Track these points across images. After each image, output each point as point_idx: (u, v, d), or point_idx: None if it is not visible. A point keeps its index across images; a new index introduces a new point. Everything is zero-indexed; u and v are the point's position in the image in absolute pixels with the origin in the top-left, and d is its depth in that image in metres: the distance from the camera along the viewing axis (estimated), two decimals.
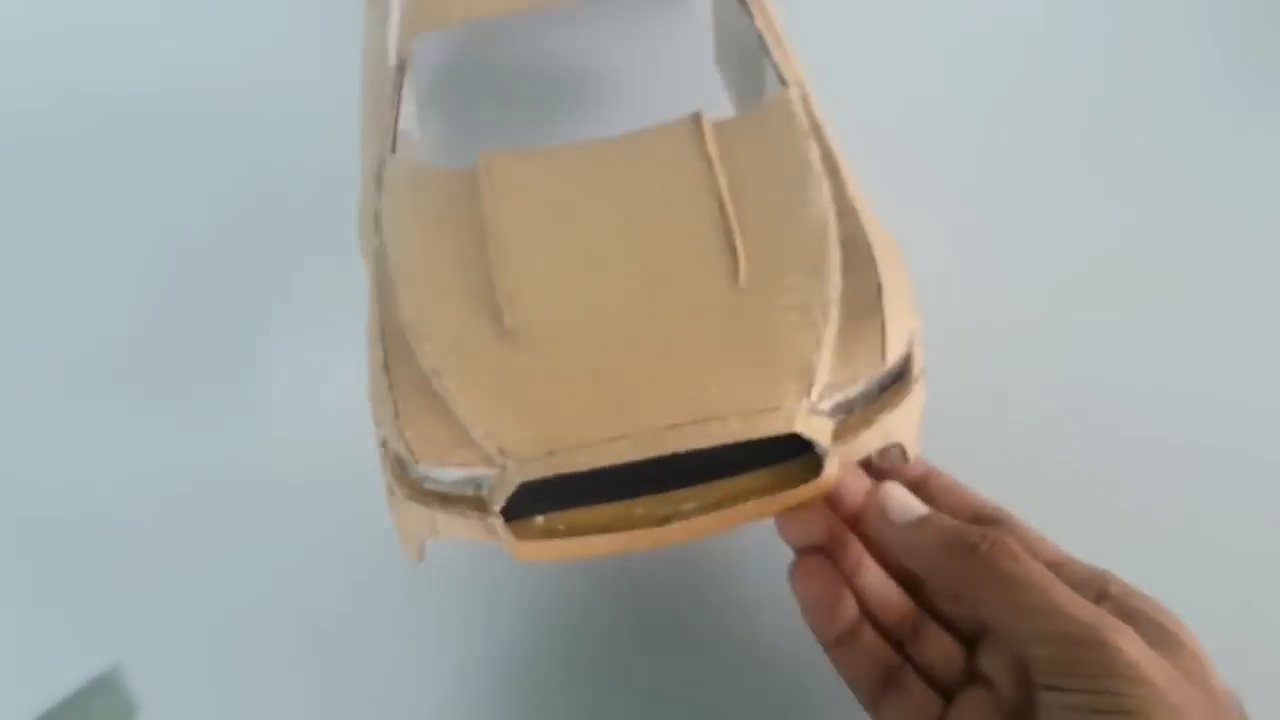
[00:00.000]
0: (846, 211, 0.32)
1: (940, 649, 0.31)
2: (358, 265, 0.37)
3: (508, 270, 0.31)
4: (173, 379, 0.45)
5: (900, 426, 0.31)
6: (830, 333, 0.29)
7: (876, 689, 0.31)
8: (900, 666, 0.31)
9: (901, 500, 0.31)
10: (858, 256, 0.31)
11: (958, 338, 0.39)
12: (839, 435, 0.30)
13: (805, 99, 0.35)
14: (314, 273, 0.46)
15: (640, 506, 0.30)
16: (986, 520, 0.31)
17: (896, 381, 0.31)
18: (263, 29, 0.56)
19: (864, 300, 0.30)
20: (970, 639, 0.31)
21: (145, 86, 0.54)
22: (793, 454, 0.30)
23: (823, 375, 0.29)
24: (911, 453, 0.32)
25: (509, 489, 0.28)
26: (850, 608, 0.32)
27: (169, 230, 0.49)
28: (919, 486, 0.33)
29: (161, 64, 0.55)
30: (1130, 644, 0.25)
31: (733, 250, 0.31)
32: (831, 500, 0.32)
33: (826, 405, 0.29)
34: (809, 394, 0.29)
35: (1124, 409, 0.42)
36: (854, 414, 0.30)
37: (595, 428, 0.28)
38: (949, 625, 0.32)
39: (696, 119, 0.34)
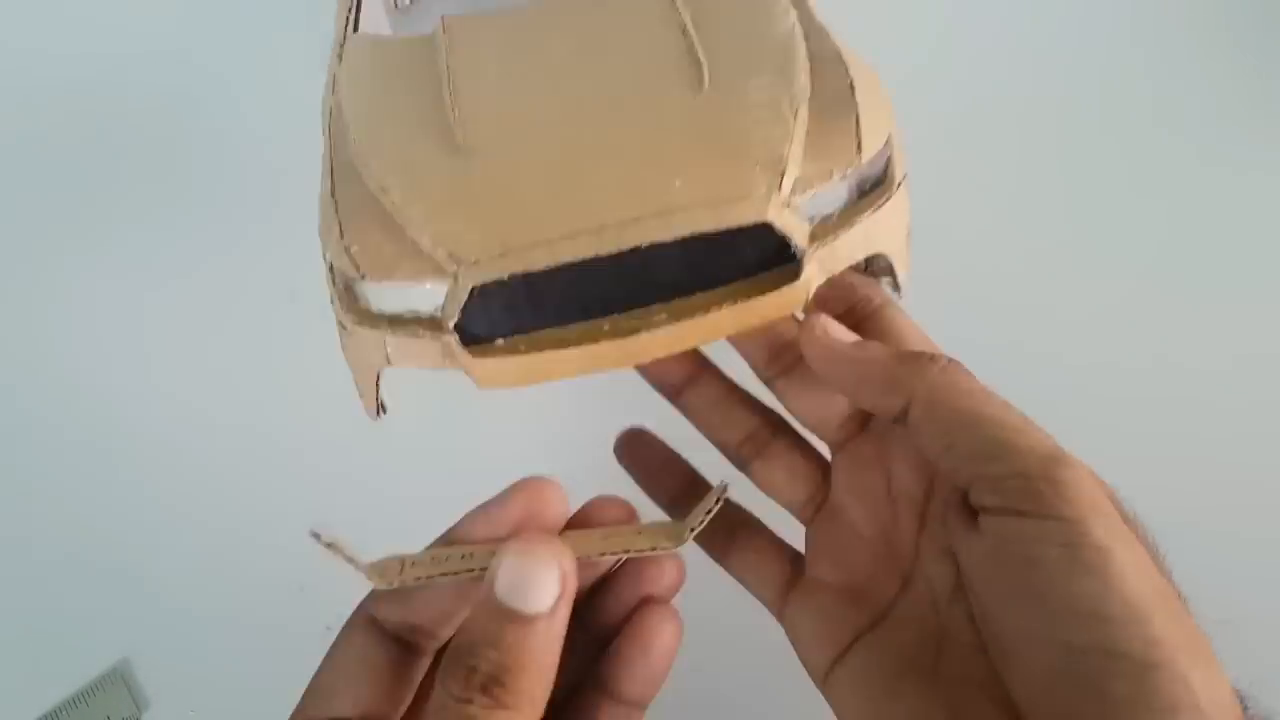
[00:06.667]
0: (815, 32, 0.31)
1: (785, 470, 0.30)
2: None
3: (463, 99, 0.30)
4: (179, 371, 0.44)
5: (884, 234, 0.29)
6: (800, 128, 0.28)
7: (720, 546, 0.30)
8: (742, 522, 0.30)
9: (840, 327, 0.27)
10: (827, 63, 0.29)
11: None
12: (816, 237, 0.27)
13: None
14: None
15: (607, 323, 0.28)
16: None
17: (879, 185, 0.29)
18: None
19: (836, 98, 0.28)
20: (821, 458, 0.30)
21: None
22: (770, 266, 0.28)
23: (794, 167, 0.27)
24: (901, 267, 0.30)
25: (462, 296, 0.26)
26: (680, 478, 0.31)
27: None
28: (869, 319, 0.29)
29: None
30: (1097, 483, 0.23)
31: (696, 63, 0.29)
32: None
33: (801, 202, 0.27)
34: (780, 185, 0.27)
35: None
36: (833, 218, 0.28)
37: (551, 226, 0.26)
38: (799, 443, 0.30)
39: None
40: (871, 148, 0.28)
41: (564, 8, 0.33)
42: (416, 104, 0.30)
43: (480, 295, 0.27)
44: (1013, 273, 0.44)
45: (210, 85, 0.53)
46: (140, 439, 0.43)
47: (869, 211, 0.28)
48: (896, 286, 0.30)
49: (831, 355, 0.27)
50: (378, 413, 0.30)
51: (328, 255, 0.29)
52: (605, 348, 0.27)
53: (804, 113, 0.28)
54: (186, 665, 0.39)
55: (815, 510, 0.29)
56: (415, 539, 0.38)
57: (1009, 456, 0.23)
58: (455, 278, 0.26)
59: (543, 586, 0.22)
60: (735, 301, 0.27)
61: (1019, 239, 0.46)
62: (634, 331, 0.27)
